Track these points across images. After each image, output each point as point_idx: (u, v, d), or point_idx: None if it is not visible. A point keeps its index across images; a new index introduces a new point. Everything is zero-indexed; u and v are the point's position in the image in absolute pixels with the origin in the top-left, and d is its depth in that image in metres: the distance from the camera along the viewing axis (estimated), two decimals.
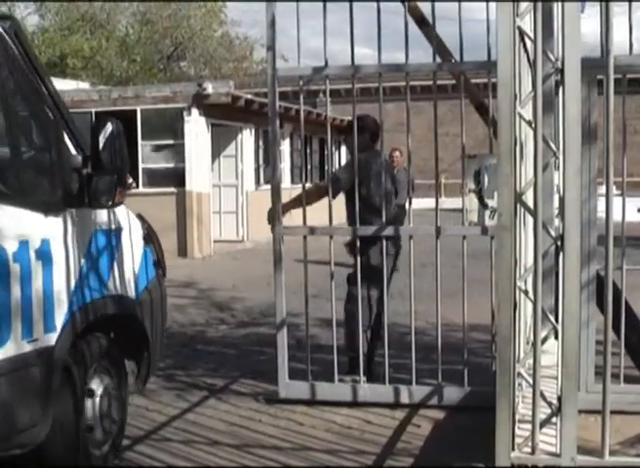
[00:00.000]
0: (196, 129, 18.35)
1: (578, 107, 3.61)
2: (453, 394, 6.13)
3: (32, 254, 4.14)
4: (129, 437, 5.56)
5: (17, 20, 4.45)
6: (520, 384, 4.42)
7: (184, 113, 18.20)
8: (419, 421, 5.90)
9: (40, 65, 4.52)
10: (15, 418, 4.04)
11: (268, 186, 7.03)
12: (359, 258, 6.36)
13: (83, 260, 4.59)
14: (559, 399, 3.74)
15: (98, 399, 4.85)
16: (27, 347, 4.08)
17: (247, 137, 20.84)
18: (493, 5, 5.07)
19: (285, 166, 23.44)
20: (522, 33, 3.82)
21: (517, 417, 4.00)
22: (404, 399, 6.18)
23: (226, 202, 20.36)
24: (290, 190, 21.92)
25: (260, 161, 21.77)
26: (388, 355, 6.23)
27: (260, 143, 21.66)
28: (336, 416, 6.02)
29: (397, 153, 14.87)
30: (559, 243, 3.70)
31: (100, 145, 4.47)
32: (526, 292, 3.89)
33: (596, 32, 4.88)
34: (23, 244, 4.07)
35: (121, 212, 5.09)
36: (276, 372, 6.38)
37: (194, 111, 18.26)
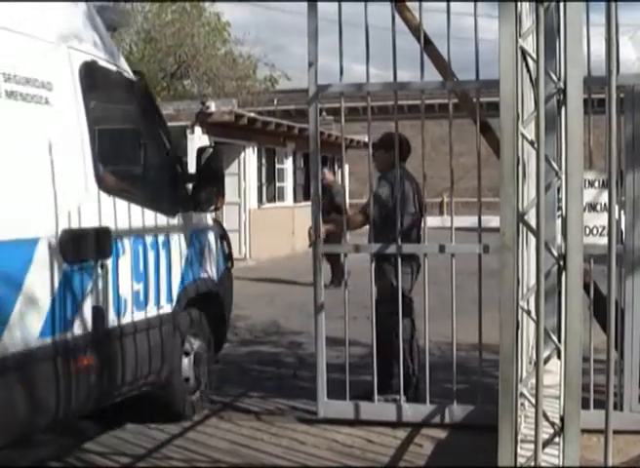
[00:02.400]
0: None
1: (580, 127, 3.61)
2: (458, 413, 6.11)
3: (160, 244, 5.80)
4: (128, 455, 5.55)
5: (144, 75, 6.20)
6: (523, 404, 4.40)
7: (187, 131, 18.23)
8: (421, 441, 5.88)
9: (158, 108, 6.24)
10: (149, 363, 5.60)
11: (271, 205, 7.07)
12: (386, 278, 6.38)
13: (187, 250, 6.19)
14: (562, 419, 3.72)
15: (192, 356, 6.36)
16: (157, 312, 5.72)
17: (250, 156, 20.88)
18: (482, 22, 5.13)
19: (288, 184, 23.50)
20: (524, 53, 3.83)
21: (520, 437, 3.98)
22: (447, 418, 6.13)
23: (229, 220, 20.39)
24: (292, 209, 21.89)
25: (263, 179, 21.82)
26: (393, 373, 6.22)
27: (263, 161, 21.70)
28: (338, 435, 6.00)
29: (325, 170, 15.40)
30: (561, 262, 3.69)
31: (203, 165, 6.12)
32: (528, 312, 3.88)
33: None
34: (155, 236, 5.76)
35: (206, 216, 6.71)
36: (280, 390, 6.35)
37: (197, 129, 18.30)
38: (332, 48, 6.26)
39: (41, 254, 4.61)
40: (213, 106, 18.35)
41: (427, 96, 6.28)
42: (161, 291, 5.79)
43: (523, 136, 3.75)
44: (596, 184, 5.79)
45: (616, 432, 3.89)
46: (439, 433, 6.01)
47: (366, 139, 7.18)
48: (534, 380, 3.73)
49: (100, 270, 5.10)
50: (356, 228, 6.67)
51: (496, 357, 3.81)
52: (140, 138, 6.08)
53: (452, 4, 5.92)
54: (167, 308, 5.87)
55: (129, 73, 5.98)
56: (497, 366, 3.73)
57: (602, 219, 5.63)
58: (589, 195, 5.71)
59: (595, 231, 5.74)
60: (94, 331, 5.02)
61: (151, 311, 5.66)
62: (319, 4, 6.11)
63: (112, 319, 5.23)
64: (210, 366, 6.70)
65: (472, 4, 6.03)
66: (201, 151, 6.26)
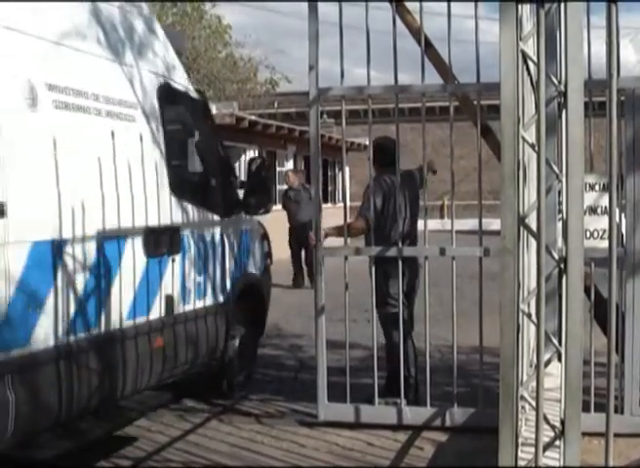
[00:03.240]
0: None
1: (581, 130, 3.61)
2: (458, 416, 6.10)
3: (217, 242, 6.68)
4: (130, 458, 5.55)
5: (205, 93, 7.00)
6: (523, 407, 4.40)
7: None
8: (421, 444, 5.88)
9: (214, 122, 7.17)
10: (206, 345, 6.47)
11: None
12: (385, 279, 6.39)
13: (238, 248, 7.13)
14: (562, 422, 3.72)
15: (237, 341, 7.15)
16: (212, 301, 6.58)
17: None
18: (482, 25, 5.14)
19: None
20: (525, 56, 3.83)
21: (520, 440, 3.98)
22: (447, 421, 6.12)
23: None
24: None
25: None
26: (393, 376, 6.21)
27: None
28: (338, 438, 6.00)
29: (290, 173, 16.26)
30: (562, 265, 3.69)
31: (252, 173, 6.79)
32: (529, 315, 3.88)
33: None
34: (213, 235, 6.63)
35: (252, 218, 7.57)
36: (281, 393, 6.35)
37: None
38: (332, 51, 6.27)
39: (128, 249, 5.48)
40: (214, 109, 18.33)
41: (428, 98, 6.28)
42: (217, 283, 6.74)
43: (524, 139, 3.76)
44: (597, 187, 5.79)
45: (616, 435, 3.88)
46: (440, 436, 6.01)
47: (366, 142, 7.20)
48: (534, 383, 3.73)
49: (171, 264, 5.99)
50: (357, 235, 6.64)
51: (496, 360, 3.81)
52: (201, 149, 6.91)
53: (452, 7, 5.93)
54: (220, 298, 6.77)
55: (193, 92, 6.90)
56: (497, 369, 3.73)
57: (602, 223, 5.63)
58: (590, 198, 5.71)
59: (596, 234, 5.75)
60: (166, 315, 5.93)
61: (209, 300, 6.58)
62: (320, 7, 6.12)
63: (179, 306, 6.11)
64: (252, 350, 7.61)
65: (473, 7, 6.03)
66: (251, 161, 7.17)
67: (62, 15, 5.13)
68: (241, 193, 7.25)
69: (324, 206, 7.05)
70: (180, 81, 6.63)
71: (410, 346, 6.61)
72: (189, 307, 6.24)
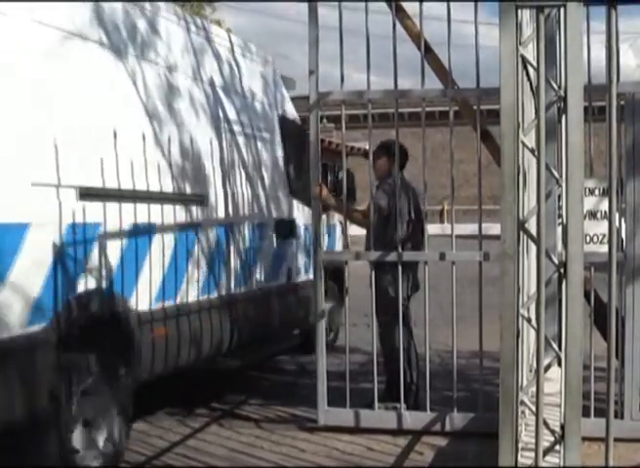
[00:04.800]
0: None
1: (580, 135, 3.62)
2: (458, 420, 6.10)
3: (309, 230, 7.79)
4: (129, 462, 5.54)
5: (305, 120, 7.45)
6: (523, 412, 4.40)
7: None
8: (421, 448, 5.87)
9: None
10: (307, 311, 7.82)
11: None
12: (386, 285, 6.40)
13: (329, 236, 8.95)
14: (562, 427, 3.72)
15: (327, 312, 7.54)
16: (310, 277, 7.48)
17: None
18: (481, 29, 5.15)
19: None
20: (525, 61, 3.84)
21: (520, 445, 3.98)
22: (447, 426, 6.10)
23: None
24: None
25: None
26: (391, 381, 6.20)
27: None
28: (338, 443, 5.99)
29: None
30: (562, 270, 3.69)
31: (341, 180, 6.97)
32: (529, 320, 3.88)
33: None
34: (307, 225, 8.00)
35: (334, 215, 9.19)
36: (281, 398, 6.33)
37: None
38: (332, 55, 6.27)
39: (267, 233, 7.71)
40: None
41: (428, 103, 6.28)
42: (298, 265, 8.38)
43: (523, 144, 3.76)
44: (596, 192, 5.80)
45: (616, 440, 3.89)
46: (439, 441, 6.00)
47: (366, 146, 7.27)
48: (534, 388, 3.73)
49: (290, 246, 7.93)
50: (352, 222, 6.67)
51: (496, 364, 3.81)
52: (305, 162, 7.56)
53: (452, 12, 5.93)
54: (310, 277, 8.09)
55: (297, 119, 9.09)
56: (497, 373, 3.73)
57: (602, 227, 5.63)
58: (590, 203, 5.72)
59: (595, 239, 5.75)
60: (287, 283, 8.04)
61: (309, 276, 7.97)
62: (320, 12, 6.13)
63: (294, 277, 8.19)
64: (337, 320, 9.19)
65: (472, 11, 6.03)
66: (337, 173, 8.56)
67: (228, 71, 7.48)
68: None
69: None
70: (291, 112, 8.96)
71: (412, 351, 6.61)
72: (301, 279, 8.31)
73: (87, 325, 5.04)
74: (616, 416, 4.51)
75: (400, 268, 6.21)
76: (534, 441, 3.72)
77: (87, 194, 5.14)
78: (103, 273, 5.29)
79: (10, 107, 4.52)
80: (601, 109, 4.06)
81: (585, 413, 4.37)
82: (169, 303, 5.99)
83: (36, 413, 4.57)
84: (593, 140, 5.58)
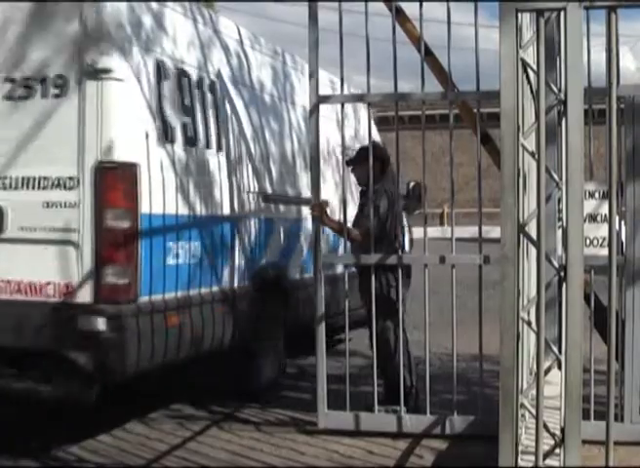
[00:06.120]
0: None
1: (580, 138, 3.62)
2: (457, 424, 6.10)
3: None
4: (129, 465, 5.54)
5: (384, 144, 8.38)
6: (523, 415, 4.40)
7: None
8: (421, 452, 5.87)
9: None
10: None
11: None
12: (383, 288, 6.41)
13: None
14: (562, 430, 3.72)
15: None
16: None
17: None
18: (481, 31, 5.16)
19: None
20: (525, 65, 3.84)
21: (520, 448, 3.98)
22: (447, 430, 6.10)
23: None
24: None
25: None
26: (389, 384, 6.20)
27: None
28: (338, 446, 5.99)
29: None
30: (562, 273, 3.70)
31: (411, 190, 7.49)
32: (529, 323, 3.89)
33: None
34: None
35: None
36: (281, 401, 6.32)
37: None
38: (333, 58, 6.27)
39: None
40: None
41: (428, 106, 6.28)
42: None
43: (524, 147, 3.77)
44: (596, 195, 5.80)
45: (616, 443, 3.88)
46: (440, 444, 6.00)
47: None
48: (534, 391, 3.73)
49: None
50: (352, 241, 6.62)
51: (496, 367, 3.81)
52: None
53: (452, 15, 5.93)
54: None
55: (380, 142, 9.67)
56: (497, 376, 3.73)
57: (602, 230, 5.64)
58: (590, 206, 5.72)
59: (595, 242, 5.75)
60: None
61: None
62: (320, 15, 6.13)
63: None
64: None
65: (472, 14, 6.03)
66: (408, 183, 8.21)
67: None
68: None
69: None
70: (377, 137, 9.41)
71: (411, 355, 6.63)
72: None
73: (265, 285, 7.33)
74: (616, 420, 4.50)
75: (384, 271, 6.26)
76: (534, 444, 3.72)
77: (266, 198, 7.47)
78: (275, 253, 7.67)
79: None
80: (601, 112, 4.07)
81: (585, 416, 4.37)
82: (308, 275, 7.71)
83: (247, 339, 6.99)
84: (593, 143, 5.58)
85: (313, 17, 6.12)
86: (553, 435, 3.75)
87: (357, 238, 6.58)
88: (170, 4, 6.30)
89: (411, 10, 6.51)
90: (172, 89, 6.22)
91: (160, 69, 6.07)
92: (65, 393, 5.55)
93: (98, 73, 5.53)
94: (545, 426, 3.71)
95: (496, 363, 3.89)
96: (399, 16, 6.46)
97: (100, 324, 5.43)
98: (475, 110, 6.48)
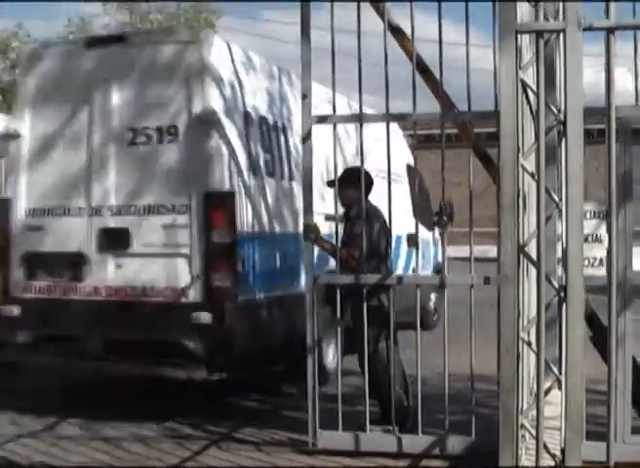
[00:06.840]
0: None
1: (580, 158, 3.64)
2: (456, 444, 6.07)
3: (428, 241, 12.29)
4: None
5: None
6: (523, 435, 4.39)
7: None
8: None
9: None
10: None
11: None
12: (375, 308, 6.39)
13: (434, 247, 12.74)
14: (562, 451, 3.72)
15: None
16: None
17: None
18: (476, 52, 5.17)
19: None
20: (525, 86, 3.86)
21: None
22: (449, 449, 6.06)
23: None
24: None
25: None
26: (385, 404, 6.18)
27: None
28: (338, 466, 5.95)
29: None
30: (562, 294, 3.70)
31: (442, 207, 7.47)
32: (529, 344, 3.88)
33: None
34: (427, 238, 12.12)
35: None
36: (280, 421, 6.26)
37: None
38: (328, 76, 6.26)
39: (404, 242, 10.86)
40: None
41: (427, 126, 6.31)
42: (429, 266, 12.06)
43: (523, 167, 3.78)
44: (589, 215, 5.77)
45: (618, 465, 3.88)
46: (440, 463, 5.97)
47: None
48: (534, 412, 3.73)
49: (414, 252, 7.43)
50: (346, 264, 6.58)
51: (496, 387, 3.80)
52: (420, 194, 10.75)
53: (450, 34, 5.92)
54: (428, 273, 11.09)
55: (412, 163, 11.99)
56: (497, 396, 3.72)
57: (598, 251, 5.63)
58: (587, 226, 5.71)
59: (594, 262, 5.75)
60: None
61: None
62: (314, 34, 6.12)
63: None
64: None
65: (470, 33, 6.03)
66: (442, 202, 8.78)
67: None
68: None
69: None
70: (411, 161, 12.18)
71: (406, 374, 6.61)
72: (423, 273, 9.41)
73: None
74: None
75: (392, 292, 6.25)
76: (534, 465, 3.71)
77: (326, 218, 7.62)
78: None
79: None
80: (600, 132, 4.07)
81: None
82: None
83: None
84: (593, 164, 5.57)
85: (306, 39, 6.13)
86: (553, 456, 3.75)
87: (351, 261, 6.54)
88: (257, 66, 8.06)
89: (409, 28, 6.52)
90: (255, 132, 7.75)
91: (247, 117, 7.64)
92: (186, 375, 7.06)
93: (202, 122, 7.11)
94: (546, 447, 3.70)
95: (496, 382, 3.88)
96: (398, 35, 6.47)
97: (208, 318, 6.97)
98: (474, 130, 6.47)
